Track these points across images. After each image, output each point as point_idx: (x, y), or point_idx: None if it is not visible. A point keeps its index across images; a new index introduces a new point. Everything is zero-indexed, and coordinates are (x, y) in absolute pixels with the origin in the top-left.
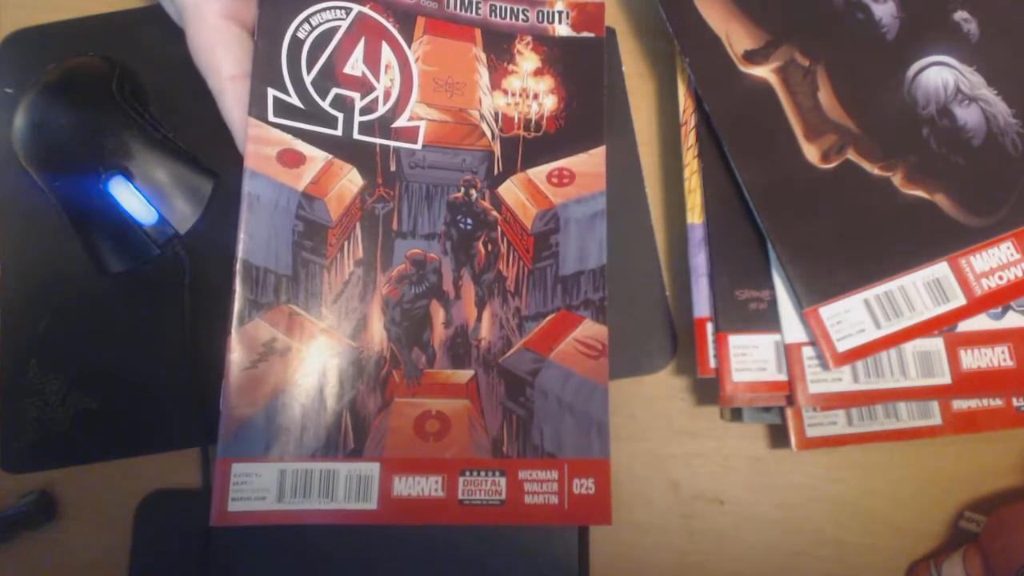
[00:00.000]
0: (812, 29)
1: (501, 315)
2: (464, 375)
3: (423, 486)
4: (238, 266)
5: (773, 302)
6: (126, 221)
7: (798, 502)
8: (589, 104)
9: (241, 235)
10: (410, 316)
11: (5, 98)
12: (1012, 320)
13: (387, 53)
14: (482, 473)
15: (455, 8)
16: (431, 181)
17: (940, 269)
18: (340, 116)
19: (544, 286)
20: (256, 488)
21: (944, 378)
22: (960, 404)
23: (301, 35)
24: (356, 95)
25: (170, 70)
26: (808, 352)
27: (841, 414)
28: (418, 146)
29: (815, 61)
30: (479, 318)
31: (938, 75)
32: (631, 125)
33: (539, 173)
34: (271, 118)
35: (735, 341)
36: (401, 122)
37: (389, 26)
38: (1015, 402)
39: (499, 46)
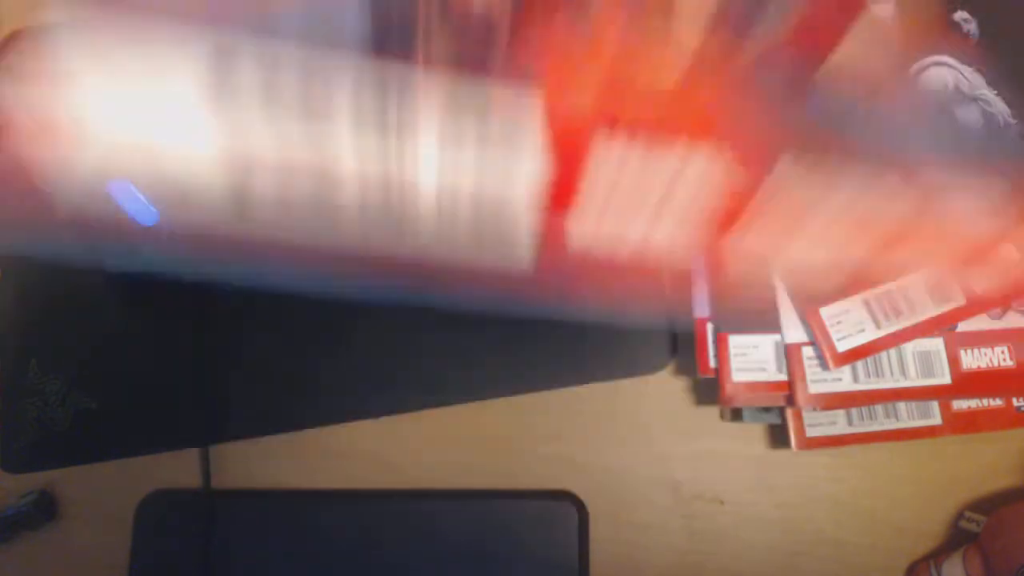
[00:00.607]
0: None
1: None
2: None
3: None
4: None
5: (773, 302)
6: (126, 221)
7: (798, 502)
8: None
9: None
10: None
11: None
12: (1012, 320)
13: None
14: None
15: None
16: None
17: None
18: None
19: None
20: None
21: (944, 378)
22: (960, 404)
23: None
24: None
25: None
26: (808, 352)
27: (841, 414)
28: None
29: None
30: None
31: (938, 75)
32: None
33: None
34: None
35: (735, 341)
36: None
37: None
38: (1015, 402)
39: None
